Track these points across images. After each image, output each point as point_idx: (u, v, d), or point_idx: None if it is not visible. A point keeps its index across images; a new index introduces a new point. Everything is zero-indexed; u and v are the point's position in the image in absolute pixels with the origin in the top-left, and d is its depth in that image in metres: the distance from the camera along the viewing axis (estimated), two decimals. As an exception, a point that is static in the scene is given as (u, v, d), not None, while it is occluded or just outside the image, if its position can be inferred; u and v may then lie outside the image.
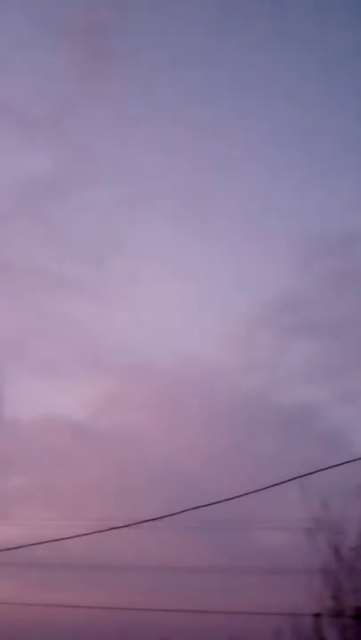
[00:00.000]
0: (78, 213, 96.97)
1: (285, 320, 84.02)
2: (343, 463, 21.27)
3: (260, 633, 38.82)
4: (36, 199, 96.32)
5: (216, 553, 48.85)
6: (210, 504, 23.61)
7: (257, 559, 40.87)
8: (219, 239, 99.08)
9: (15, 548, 27.79)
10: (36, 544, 27.89)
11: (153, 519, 25.21)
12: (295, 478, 22.24)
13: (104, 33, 77.48)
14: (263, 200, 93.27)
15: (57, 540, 27.95)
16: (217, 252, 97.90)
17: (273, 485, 22.44)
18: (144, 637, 44.20)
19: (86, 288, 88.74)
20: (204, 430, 78.03)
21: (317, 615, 30.72)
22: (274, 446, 69.46)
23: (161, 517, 25.61)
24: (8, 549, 28.15)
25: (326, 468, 21.32)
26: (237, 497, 22.63)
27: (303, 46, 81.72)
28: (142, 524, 25.96)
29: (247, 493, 22.52)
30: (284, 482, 22.46)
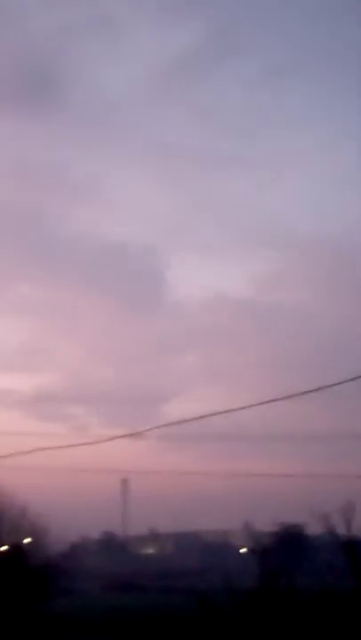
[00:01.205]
0: (228, 87, 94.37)
1: None
2: None
3: None
4: (184, 75, 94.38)
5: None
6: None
7: None
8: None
9: (190, 420, 28.23)
10: (210, 415, 28.22)
11: (326, 386, 24.81)
12: None
13: None
14: None
15: (228, 412, 28.16)
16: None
17: None
18: (328, 502, 44.78)
19: (242, 163, 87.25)
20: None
21: None
22: None
23: (334, 384, 25.16)
24: (184, 421, 28.64)
25: None
26: None
27: None
28: (315, 392, 25.65)
29: None
30: None
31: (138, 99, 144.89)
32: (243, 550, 67.09)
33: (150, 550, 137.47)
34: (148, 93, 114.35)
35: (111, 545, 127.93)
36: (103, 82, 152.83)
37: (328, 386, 23.78)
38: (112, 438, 29.41)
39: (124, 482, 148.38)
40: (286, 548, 51.52)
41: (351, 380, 22.84)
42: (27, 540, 34.81)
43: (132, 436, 33.67)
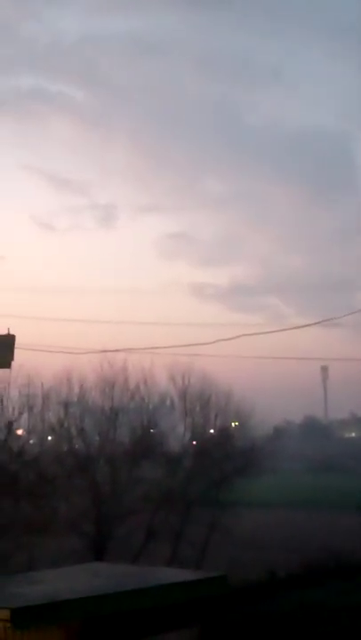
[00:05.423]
0: None
1: None
2: None
3: None
4: None
5: None
6: None
7: None
8: None
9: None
10: None
11: None
12: None
13: None
14: None
15: None
16: None
17: None
18: None
19: None
20: None
21: None
22: None
23: None
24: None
25: None
26: None
27: None
28: None
29: None
30: None
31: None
32: None
33: (351, 434, 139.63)
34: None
35: (313, 428, 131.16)
36: None
37: None
38: (310, 324, 30.96)
39: (324, 368, 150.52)
40: None
41: None
42: (233, 424, 36.88)
43: (328, 322, 34.77)
